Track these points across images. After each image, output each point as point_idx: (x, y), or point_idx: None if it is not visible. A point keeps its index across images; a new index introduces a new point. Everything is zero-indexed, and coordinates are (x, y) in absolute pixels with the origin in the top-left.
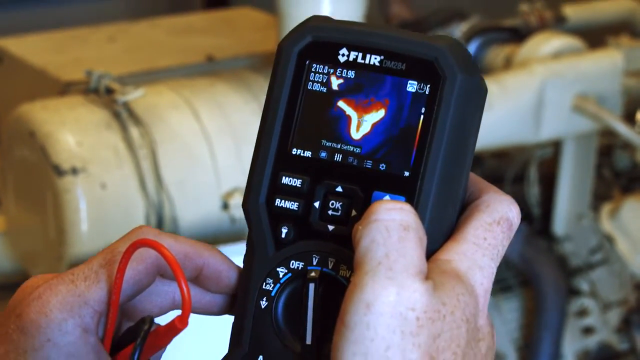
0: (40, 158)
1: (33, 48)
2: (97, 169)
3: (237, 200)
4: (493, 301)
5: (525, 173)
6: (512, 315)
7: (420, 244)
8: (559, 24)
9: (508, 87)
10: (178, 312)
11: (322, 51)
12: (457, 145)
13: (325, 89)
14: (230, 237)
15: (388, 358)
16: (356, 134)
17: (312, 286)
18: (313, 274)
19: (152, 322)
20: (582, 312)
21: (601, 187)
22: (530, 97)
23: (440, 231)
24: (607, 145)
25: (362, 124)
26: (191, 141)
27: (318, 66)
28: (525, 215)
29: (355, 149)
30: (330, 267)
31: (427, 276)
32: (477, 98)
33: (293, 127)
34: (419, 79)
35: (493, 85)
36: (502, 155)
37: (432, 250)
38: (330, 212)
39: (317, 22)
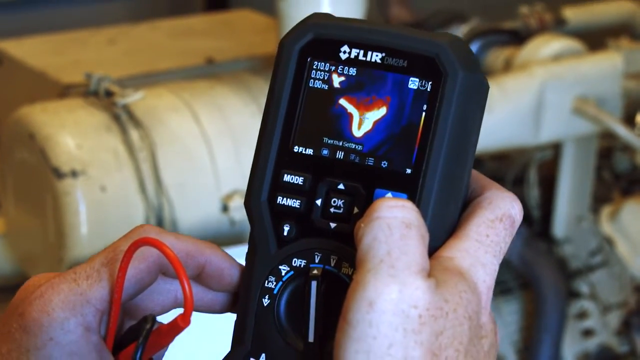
0: (39, 160)
1: (33, 50)
2: (97, 172)
3: (236, 203)
4: (493, 303)
5: (525, 175)
6: (512, 318)
7: (423, 241)
8: (558, 26)
9: (508, 90)
10: (180, 311)
11: (324, 48)
12: (459, 142)
13: (327, 86)
14: (230, 240)
15: (390, 356)
16: (358, 132)
17: (314, 284)
18: (315, 271)
19: (154, 320)
20: (582, 315)
21: (601, 189)
22: (530, 99)
23: (443, 228)
24: (607, 148)
25: (363, 121)
26: (191, 144)
27: (319, 63)
28: (525, 218)
29: (357, 147)
30: (332, 264)
31: (430, 274)
32: (478, 95)
33: (295, 125)
34: (421, 76)
35: (493, 87)
36: (502, 157)
37: (434, 248)
38: (332, 209)
39: (318, 20)
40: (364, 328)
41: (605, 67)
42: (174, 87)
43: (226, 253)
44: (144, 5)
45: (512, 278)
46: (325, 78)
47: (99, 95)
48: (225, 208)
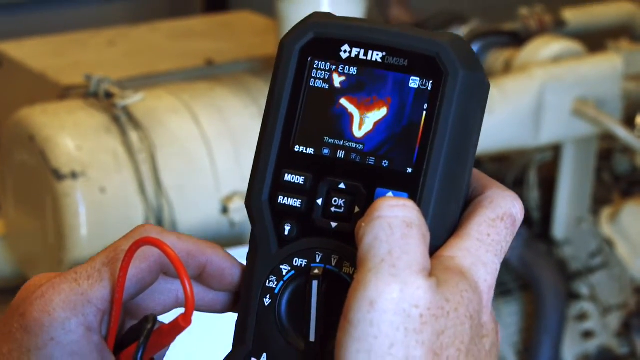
0: (39, 162)
1: (33, 52)
2: (97, 173)
3: (236, 204)
4: (493, 305)
5: (525, 177)
6: (512, 319)
7: (424, 240)
8: (558, 27)
9: (508, 91)
10: (181, 310)
11: (324, 48)
12: (460, 141)
13: (328, 85)
14: (230, 241)
15: (392, 355)
16: (358, 132)
17: (315, 283)
18: (316, 271)
19: (155, 320)
20: (582, 316)
21: (601, 191)
22: (530, 101)
23: (444, 227)
24: (607, 149)
25: (364, 122)
26: (190, 145)
27: (320, 63)
28: (525, 219)
29: (358, 146)
30: (333, 264)
31: (431, 273)
32: (479, 93)
33: (295, 124)
34: (421, 75)
35: (493, 89)
36: (501, 159)
37: (435, 247)
38: (333, 209)
39: (319, 19)
40: (365, 327)
41: (605, 68)
42: (173, 88)
43: (227, 253)
44: (144, 6)
45: (512, 279)
46: (326, 77)
47: (99, 96)
48: (225, 210)
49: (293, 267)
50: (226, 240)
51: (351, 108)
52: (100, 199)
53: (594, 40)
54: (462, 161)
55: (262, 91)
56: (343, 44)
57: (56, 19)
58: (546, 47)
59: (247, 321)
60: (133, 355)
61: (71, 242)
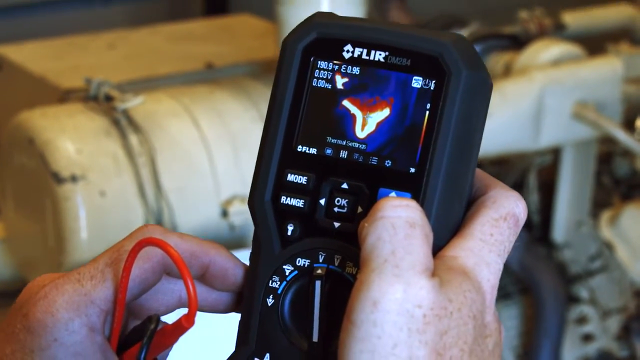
0: (39, 165)
1: (32, 55)
2: (97, 177)
3: (236, 208)
4: None
5: (524, 180)
6: (512, 323)
7: (427, 240)
8: (558, 31)
9: (507, 95)
10: (184, 311)
11: (327, 47)
12: (463, 141)
13: (330, 85)
14: (230, 245)
15: (395, 355)
16: (361, 133)
17: (318, 283)
18: (319, 271)
19: (158, 320)
20: (582, 320)
21: (601, 194)
22: (529, 104)
23: (447, 227)
24: (607, 153)
25: (367, 123)
26: (190, 148)
27: (323, 63)
28: (525, 223)
29: (360, 146)
30: (336, 264)
31: (434, 273)
32: (482, 93)
33: (298, 124)
34: (424, 75)
35: (493, 92)
36: (501, 162)
37: (438, 247)
38: (336, 209)
39: (321, 19)
40: (368, 328)
41: (605, 71)
42: (173, 92)
43: (230, 253)
44: (144, 10)
45: (512, 283)
46: (329, 77)
47: (99, 100)
48: (224, 213)
49: (296, 267)
50: (226, 244)
51: (354, 109)
52: (100, 202)
53: (594, 43)
54: (465, 161)
55: (262, 94)
56: (346, 44)
57: (56, 22)
58: (546, 51)
59: (250, 321)
60: (136, 356)
61: (71, 245)
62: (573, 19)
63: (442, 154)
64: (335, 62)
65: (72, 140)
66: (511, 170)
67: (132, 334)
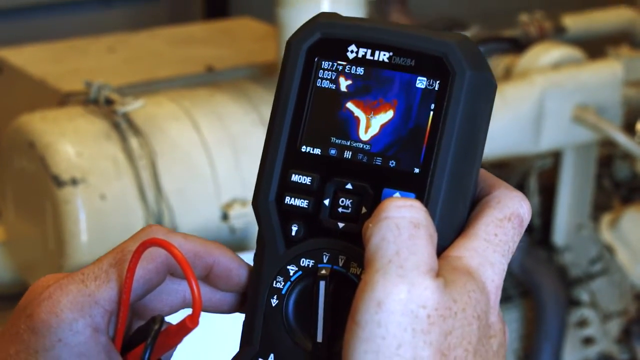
0: (39, 168)
1: (32, 58)
2: (97, 180)
3: (236, 211)
4: None
5: (525, 183)
6: (512, 326)
7: (431, 241)
8: (558, 34)
9: (508, 98)
10: (188, 311)
11: (331, 48)
12: (467, 142)
13: (335, 86)
14: (230, 248)
15: (399, 356)
16: (364, 136)
17: (322, 284)
18: (324, 271)
19: (162, 321)
20: (582, 323)
21: (601, 197)
22: (530, 107)
23: (451, 228)
24: (607, 156)
25: (370, 125)
26: (191, 152)
27: (327, 63)
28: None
29: (365, 146)
30: (340, 264)
31: (438, 273)
32: (486, 93)
33: (302, 125)
34: (428, 75)
35: None
36: (502, 165)
37: (442, 247)
38: (340, 209)
39: (325, 19)
40: (372, 328)
41: (605, 75)
42: (173, 95)
43: (234, 253)
44: (144, 13)
45: (513, 286)
46: (333, 78)
47: (99, 103)
48: (225, 216)
49: (300, 268)
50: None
51: (357, 111)
52: (100, 205)
53: (594, 46)
54: (470, 161)
55: (262, 98)
56: (350, 44)
57: (56, 25)
58: (546, 54)
59: (255, 322)
60: (140, 356)
61: (71, 248)
62: (573, 22)
63: (446, 154)
64: (339, 62)
65: (72, 143)
66: (512, 173)
67: (136, 335)
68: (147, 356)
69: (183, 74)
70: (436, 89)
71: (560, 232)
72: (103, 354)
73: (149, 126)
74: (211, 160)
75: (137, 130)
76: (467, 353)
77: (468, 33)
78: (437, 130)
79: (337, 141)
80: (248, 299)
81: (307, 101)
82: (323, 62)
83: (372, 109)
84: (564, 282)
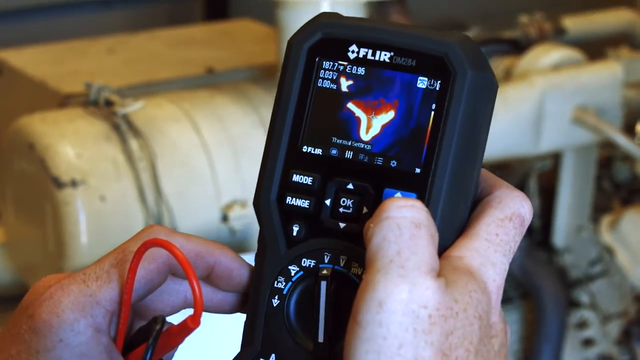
0: (39, 170)
1: (32, 60)
2: (97, 181)
3: (236, 213)
4: None
5: (525, 185)
6: (512, 327)
7: (432, 241)
8: (558, 35)
9: (508, 99)
10: (190, 311)
11: (332, 48)
12: (468, 141)
13: (335, 86)
14: None
15: (401, 356)
16: (366, 136)
17: (324, 284)
18: (325, 271)
19: (164, 321)
20: (582, 324)
21: (601, 198)
22: (530, 109)
23: (452, 228)
24: (607, 157)
25: (371, 125)
26: (191, 153)
27: (328, 63)
28: None
29: (366, 146)
30: (342, 264)
31: (439, 273)
32: (488, 93)
33: (303, 125)
34: (429, 75)
35: None
36: (502, 167)
37: (444, 247)
38: (341, 209)
39: (327, 19)
40: (374, 328)
41: (605, 76)
42: (173, 96)
43: (236, 254)
44: (144, 14)
45: (512, 287)
46: (334, 78)
47: (99, 104)
48: (225, 218)
49: (301, 268)
50: None
51: (358, 112)
52: (100, 207)
53: (594, 48)
54: (471, 161)
55: (262, 99)
56: (351, 44)
57: (56, 27)
58: (546, 55)
59: (256, 322)
60: (142, 356)
61: (71, 250)
62: (573, 23)
63: (447, 154)
64: (340, 62)
65: (72, 145)
66: (511, 175)
67: (137, 335)
68: (148, 356)
69: (183, 75)
70: (437, 89)
71: (560, 234)
72: (104, 354)
73: (149, 128)
74: (211, 161)
75: (137, 132)
76: (468, 353)
77: (468, 34)
78: (438, 130)
79: (338, 141)
80: (249, 299)
81: (308, 101)
82: (324, 62)
83: (373, 109)
84: (564, 283)
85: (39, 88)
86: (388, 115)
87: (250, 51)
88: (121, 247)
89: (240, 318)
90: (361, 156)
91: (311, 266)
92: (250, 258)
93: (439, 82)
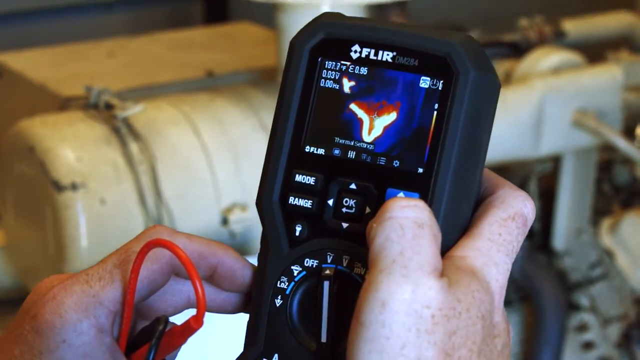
0: (39, 173)
1: (32, 63)
2: (97, 185)
3: (236, 216)
4: None
5: (525, 188)
6: (512, 330)
7: (435, 241)
8: (558, 39)
9: (508, 102)
10: (193, 311)
11: (335, 48)
12: (471, 141)
13: (338, 86)
14: None
15: (404, 356)
16: (368, 137)
17: (326, 284)
18: (328, 271)
19: (167, 321)
20: (582, 327)
21: (601, 202)
22: (530, 112)
23: (455, 227)
24: (607, 160)
25: (374, 126)
26: (191, 156)
27: (330, 63)
28: None
29: (368, 146)
30: (344, 264)
31: (442, 273)
32: (490, 93)
33: (306, 125)
34: (432, 75)
35: None
36: (502, 170)
37: (446, 247)
38: (344, 209)
39: (329, 19)
40: (376, 328)
41: (605, 79)
42: (173, 99)
43: (238, 254)
44: (144, 17)
45: (512, 290)
46: (336, 78)
47: (99, 108)
48: (225, 221)
49: (304, 268)
50: None
51: (360, 113)
52: (100, 210)
53: (594, 51)
54: (473, 161)
55: (262, 102)
56: (353, 44)
57: (56, 30)
58: (546, 58)
59: (259, 322)
60: (145, 357)
61: (71, 253)
62: (573, 26)
63: (450, 154)
64: (342, 62)
65: (72, 148)
66: (511, 178)
67: (140, 335)
68: (151, 357)
69: (183, 78)
70: (440, 88)
71: (560, 237)
72: (107, 355)
73: (149, 131)
74: (211, 164)
75: (137, 135)
76: (471, 353)
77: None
78: (440, 130)
79: (340, 141)
80: (252, 299)
81: (310, 101)
82: (326, 62)
83: (375, 111)
84: (564, 286)
85: (39, 91)
86: (390, 117)
87: (250, 54)
88: (124, 247)
89: (243, 318)
90: (364, 156)
91: (314, 266)
92: (253, 261)
93: (441, 82)
